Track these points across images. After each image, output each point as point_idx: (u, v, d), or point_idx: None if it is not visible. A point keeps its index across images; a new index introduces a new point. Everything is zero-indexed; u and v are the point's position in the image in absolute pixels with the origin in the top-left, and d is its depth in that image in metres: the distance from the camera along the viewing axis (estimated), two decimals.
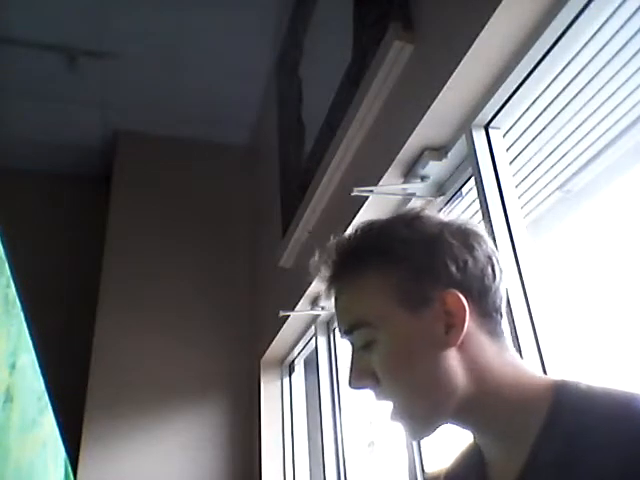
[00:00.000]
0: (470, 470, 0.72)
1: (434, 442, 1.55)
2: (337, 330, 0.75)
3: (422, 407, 0.66)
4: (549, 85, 1.29)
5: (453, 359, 0.65)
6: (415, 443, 1.58)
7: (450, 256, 0.67)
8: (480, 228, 0.72)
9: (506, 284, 0.71)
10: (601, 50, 1.21)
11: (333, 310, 0.75)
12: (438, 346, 0.65)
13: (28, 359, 0.86)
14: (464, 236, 0.69)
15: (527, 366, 0.68)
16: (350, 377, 0.70)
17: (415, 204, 1.62)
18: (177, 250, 3.09)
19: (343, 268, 0.72)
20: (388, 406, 0.68)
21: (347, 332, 0.70)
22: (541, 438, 0.60)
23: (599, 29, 1.16)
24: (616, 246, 1.33)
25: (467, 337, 0.65)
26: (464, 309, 0.64)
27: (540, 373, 0.68)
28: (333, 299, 0.74)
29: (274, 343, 2.62)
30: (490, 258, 0.69)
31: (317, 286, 2.16)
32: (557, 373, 1.07)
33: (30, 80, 2.98)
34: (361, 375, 0.68)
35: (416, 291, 0.66)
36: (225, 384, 2.86)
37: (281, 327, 2.46)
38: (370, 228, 0.73)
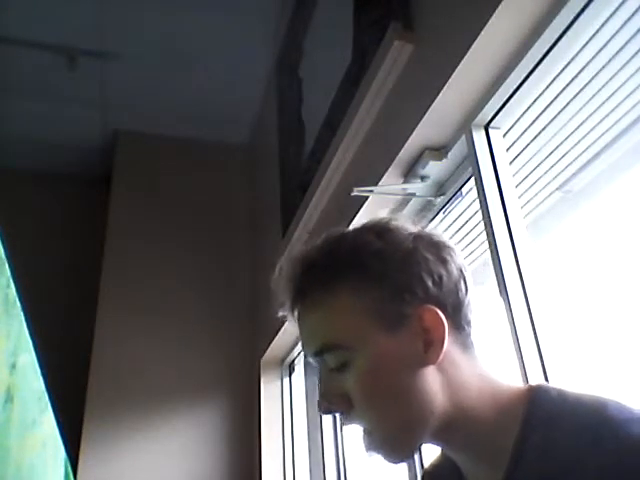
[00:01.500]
0: None
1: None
2: (304, 349, 0.69)
3: (400, 430, 0.62)
4: (549, 85, 1.29)
5: (431, 378, 0.62)
6: None
7: (426, 271, 0.64)
8: (449, 240, 0.70)
9: (475, 296, 0.68)
10: (601, 50, 1.21)
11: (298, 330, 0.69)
12: (416, 365, 0.62)
13: (28, 359, 0.86)
14: (437, 249, 0.66)
15: (496, 376, 0.66)
16: (320, 401, 0.66)
17: (415, 204, 1.62)
18: (177, 249, 3.09)
19: (311, 284, 0.67)
20: (361, 434, 0.65)
21: (316, 354, 0.66)
22: (515, 456, 0.58)
23: (599, 29, 1.16)
24: (616, 246, 1.32)
25: (444, 354, 0.62)
26: (442, 325, 0.62)
27: (509, 381, 0.66)
28: (298, 318, 0.69)
29: (274, 343, 2.62)
30: (461, 271, 0.67)
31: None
32: (557, 375, 1.07)
33: (30, 80, 2.98)
34: (332, 398, 0.64)
35: (393, 309, 0.63)
36: (225, 384, 2.86)
37: (281, 327, 2.46)
38: (339, 240, 0.68)
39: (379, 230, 0.68)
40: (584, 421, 0.56)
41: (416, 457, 1.56)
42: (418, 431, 0.62)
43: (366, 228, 0.69)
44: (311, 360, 0.69)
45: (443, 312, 0.63)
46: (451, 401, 0.62)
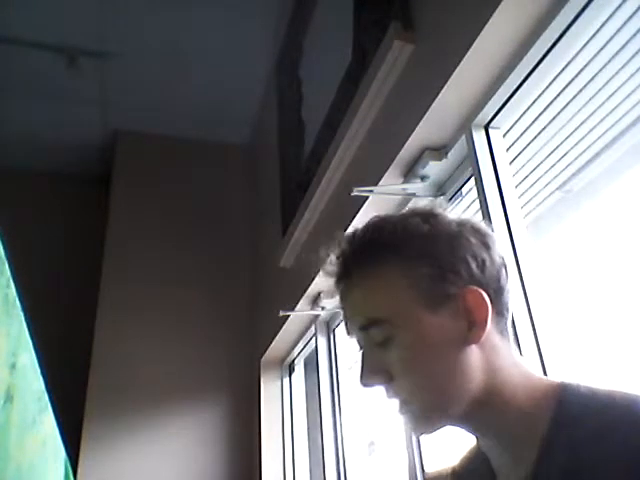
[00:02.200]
0: (477, 473, 0.71)
1: (434, 442, 1.55)
2: (346, 325, 0.72)
3: (436, 404, 0.65)
4: (549, 85, 1.29)
5: (471, 357, 0.64)
6: (415, 443, 1.58)
7: (470, 254, 0.67)
8: (490, 229, 0.72)
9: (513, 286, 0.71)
10: (601, 50, 1.21)
11: (340, 306, 0.73)
12: (458, 343, 0.64)
13: (28, 359, 0.86)
14: (481, 235, 0.69)
15: (530, 368, 0.68)
16: (362, 374, 0.68)
17: (415, 204, 1.62)
18: (177, 249, 3.09)
19: (358, 262, 0.69)
20: (397, 401, 0.67)
21: (362, 328, 0.68)
22: (544, 447, 0.59)
23: (599, 29, 1.16)
24: (616, 246, 1.33)
25: (485, 335, 0.65)
26: (486, 306, 0.64)
27: (541, 375, 0.68)
28: (343, 295, 0.72)
29: (274, 343, 2.62)
30: (502, 258, 0.70)
31: (317, 286, 2.16)
32: (557, 374, 1.07)
33: (30, 80, 2.98)
34: (374, 372, 0.67)
35: (438, 288, 0.65)
36: (225, 384, 2.86)
37: (281, 327, 2.46)
38: (386, 223, 0.71)
39: (424, 214, 0.70)
40: (614, 419, 0.56)
41: (416, 457, 1.56)
42: (453, 406, 0.64)
43: (411, 213, 0.72)
44: (354, 335, 0.71)
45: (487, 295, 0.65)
46: (487, 383, 0.64)
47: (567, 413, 0.60)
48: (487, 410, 0.64)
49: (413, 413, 0.66)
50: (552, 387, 0.64)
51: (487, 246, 0.68)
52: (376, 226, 0.71)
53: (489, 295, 0.65)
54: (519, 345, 1.10)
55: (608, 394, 0.60)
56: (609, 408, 0.58)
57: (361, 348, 0.71)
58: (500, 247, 0.70)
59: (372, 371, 0.67)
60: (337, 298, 0.74)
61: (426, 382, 0.64)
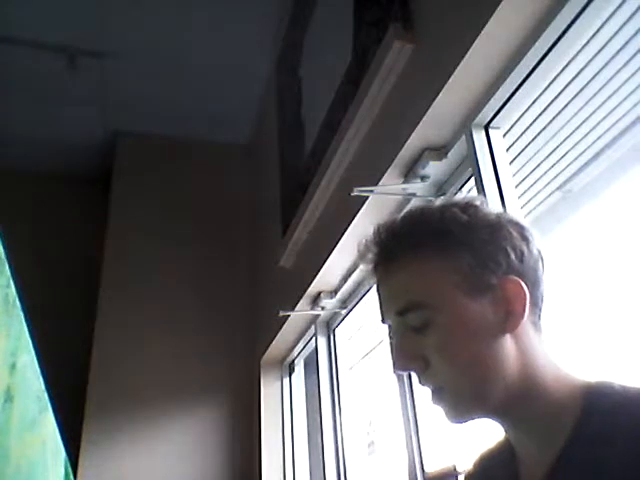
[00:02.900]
0: (501, 465, 0.72)
1: (434, 442, 1.55)
2: (382, 310, 0.72)
3: (473, 392, 0.65)
4: (549, 85, 1.29)
5: (507, 346, 0.65)
6: (415, 443, 1.58)
7: (510, 245, 0.67)
8: (528, 223, 0.73)
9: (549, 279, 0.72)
10: (601, 50, 1.21)
11: (377, 291, 0.73)
12: (495, 331, 0.65)
13: (28, 359, 0.85)
14: (520, 228, 0.70)
15: (562, 362, 0.68)
16: (397, 359, 0.68)
17: (415, 204, 1.62)
18: (177, 250, 3.09)
19: (401, 247, 0.70)
20: (431, 389, 0.67)
21: (400, 312, 0.68)
22: (572, 438, 0.60)
23: (599, 29, 1.16)
24: (616, 246, 1.33)
25: (520, 326, 0.65)
26: (525, 296, 0.65)
27: (574, 372, 0.68)
28: (382, 278, 0.72)
29: (274, 343, 2.62)
30: (540, 252, 0.71)
31: (317, 286, 2.16)
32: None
33: (30, 80, 2.98)
34: (410, 357, 0.67)
35: (478, 276, 0.66)
36: (225, 384, 2.86)
37: (281, 327, 2.46)
38: (426, 211, 0.72)
39: (463, 205, 0.71)
40: None
41: (416, 457, 1.56)
42: (489, 395, 0.64)
43: (450, 204, 0.73)
44: (389, 320, 0.71)
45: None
46: (521, 372, 0.64)
47: (597, 407, 0.60)
48: (519, 398, 0.64)
49: (448, 402, 0.66)
50: (584, 382, 0.64)
51: (526, 239, 0.69)
52: (417, 215, 0.72)
53: (527, 286, 0.66)
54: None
55: (639, 391, 0.60)
56: (638, 405, 0.58)
57: (393, 335, 0.71)
58: (538, 241, 0.71)
59: (408, 356, 0.67)
60: (372, 283, 0.74)
61: (464, 368, 0.65)
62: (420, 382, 0.69)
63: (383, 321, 0.73)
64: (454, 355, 0.65)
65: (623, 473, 0.54)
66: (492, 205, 1.27)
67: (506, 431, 0.70)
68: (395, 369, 0.69)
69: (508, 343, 0.65)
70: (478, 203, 0.72)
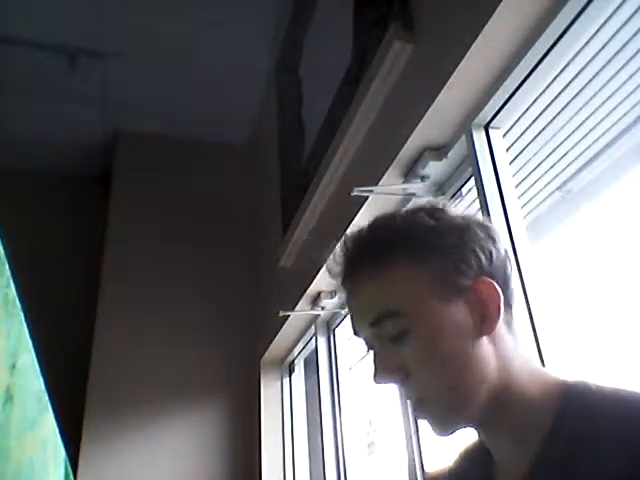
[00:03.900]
0: (476, 467, 0.72)
1: (433, 442, 1.55)
2: (354, 324, 0.71)
3: (454, 397, 0.64)
4: (549, 85, 1.29)
5: (484, 348, 0.64)
6: (415, 443, 1.58)
7: (479, 246, 0.67)
8: (493, 223, 0.73)
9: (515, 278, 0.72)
10: (601, 50, 1.21)
11: (347, 305, 0.72)
12: (472, 335, 0.64)
13: (28, 359, 0.85)
14: (486, 228, 0.70)
15: (537, 362, 0.68)
16: (376, 372, 0.67)
17: (415, 204, 1.62)
18: (177, 250, 3.09)
19: (369, 258, 0.69)
20: (413, 401, 0.67)
21: (374, 323, 0.67)
22: (548, 438, 0.60)
23: (599, 29, 1.16)
24: (616, 246, 1.33)
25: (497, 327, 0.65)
26: (499, 297, 0.65)
27: (549, 370, 0.68)
28: (352, 291, 0.71)
29: (274, 343, 2.62)
30: (506, 252, 0.71)
31: (317, 286, 2.16)
32: (556, 372, 1.07)
33: (30, 80, 2.98)
34: (389, 369, 0.66)
35: (450, 280, 0.66)
36: (225, 384, 2.86)
37: (281, 327, 2.46)
38: (392, 218, 0.71)
39: (429, 209, 0.71)
40: (620, 411, 0.57)
41: (416, 457, 1.56)
42: (470, 400, 0.64)
43: (416, 209, 0.73)
44: (363, 334, 0.70)
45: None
46: (499, 374, 0.64)
47: (573, 406, 0.60)
48: (499, 402, 0.64)
49: (431, 414, 0.65)
50: (559, 381, 0.64)
51: (493, 239, 0.69)
52: (383, 223, 0.72)
53: (499, 286, 0.66)
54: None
55: (614, 391, 0.60)
56: (614, 403, 0.59)
57: (370, 348, 0.70)
58: (503, 240, 0.71)
59: (387, 368, 0.66)
60: (342, 297, 0.74)
61: (445, 375, 0.64)
62: (403, 394, 0.68)
63: (356, 334, 0.71)
64: (433, 362, 0.64)
65: (601, 471, 0.54)
66: (492, 205, 1.28)
67: (480, 433, 0.70)
68: (375, 381, 0.68)
69: (485, 346, 0.64)
70: (443, 206, 0.72)
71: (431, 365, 0.64)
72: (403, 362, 0.65)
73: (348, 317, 2.18)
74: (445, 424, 0.65)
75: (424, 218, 0.69)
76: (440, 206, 0.72)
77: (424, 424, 0.68)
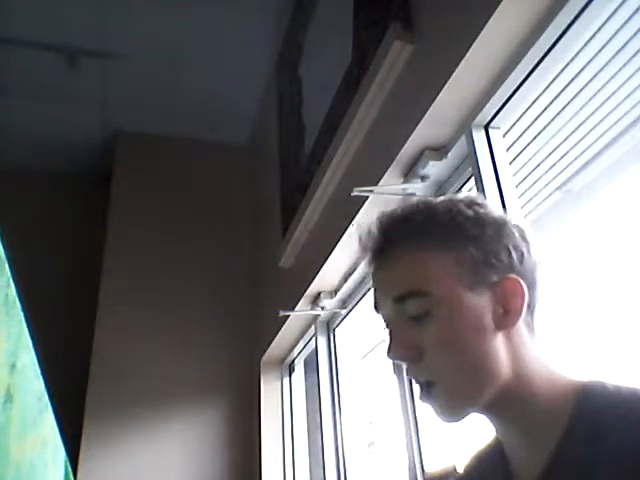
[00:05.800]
0: (491, 466, 0.72)
1: (434, 442, 1.55)
2: (377, 298, 0.72)
3: (465, 387, 0.65)
4: (549, 85, 1.29)
5: (501, 343, 0.65)
6: (415, 443, 1.58)
7: (512, 244, 0.68)
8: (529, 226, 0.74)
9: (546, 282, 0.72)
10: (601, 50, 1.21)
11: (374, 278, 0.72)
12: (493, 327, 0.65)
13: (28, 359, 0.86)
14: (521, 230, 0.71)
15: (555, 363, 0.68)
16: (391, 347, 0.68)
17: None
18: (177, 250, 3.09)
19: (403, 235, 0.70)
20: (422, 382, 0.67)
21: (399, 299, 0.68)
22: (564, 438, 0.60)
23: (599, 29, 1.16)
24: (616, 246, 1.33)
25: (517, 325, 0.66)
26: (523, 295, 0.66)
27: (567, 372, 0.68)
28: (382, 265, 0.71)
29: (274, 343, 2.62)
30: (538, 257, 0.71)
31: (317, 286, 2.16)
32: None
33: (30, 80, 2.98)
34: (405, 346, 0.67)
35: (480, 271, 0.66)
36: (225, 384, 2.86)
37: (281, 327, 2.46)
38: (432, 203, 0.72)
39: (469, 202, 0.71)
40: (636, 415, 0.57)
41: (416, 457, 1.56)
42: (481, 392, 0.64)
43: (455, 199, 0.73)
44: (385, 309, 0.70)
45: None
46: (514, 370, 0.65)
47: (590, 406, 0.60)
48: (511, 396, 0.64)
49: (440, 398, 0.66)
50: (577, 382, 0.64)
51: (526, 240, 0.70)
52: (422, 205, 0.72)
53: (526, 286, 0.67)
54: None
55: (631, 391, 0.60)
56: (632, 404, 0.59)
57: (387, 326, 0.70)
58: (538, 245, 0.72)
59: (403, 343, 0.67)
60: (367, 270, 0.73)
61: (460, 360, 0.64)
62: (408, 373, 0.68)
63: (376, 308, 0.72)
64: (451, 348, 0.65)
65: (616, 472, 0.54)
66: (493, 205, 1.28)
67: (497, 430, 0.70)
68: (389, 357, 0.68)
69: (502, 340, 0.65)
70: (482, 201, 0.72)
71: (447, 348, 0.65)
72: (419, 342, 0.66)
73: (348, 317, 2.16)
74: (452, 409, 0.66)
75: (464, 208, 0.70)
76: (479, 200, 0.72)
77: (429, 410, 0.68)
